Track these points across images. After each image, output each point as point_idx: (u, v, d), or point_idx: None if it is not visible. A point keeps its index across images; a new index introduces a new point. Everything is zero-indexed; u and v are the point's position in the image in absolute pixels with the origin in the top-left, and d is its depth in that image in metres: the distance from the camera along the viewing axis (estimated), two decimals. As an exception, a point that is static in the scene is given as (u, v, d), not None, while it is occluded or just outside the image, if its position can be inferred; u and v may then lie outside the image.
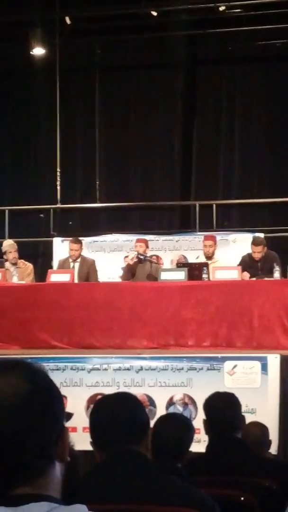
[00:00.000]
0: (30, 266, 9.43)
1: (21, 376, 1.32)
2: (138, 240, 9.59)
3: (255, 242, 8.98)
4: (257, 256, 8.81)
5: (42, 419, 1.30)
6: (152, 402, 7.10)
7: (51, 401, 1.34)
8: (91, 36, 11.97)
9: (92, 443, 2.44)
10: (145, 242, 9.53)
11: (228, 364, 7.16)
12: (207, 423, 3.58)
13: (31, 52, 11.54)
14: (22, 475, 1.28)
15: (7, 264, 9.20)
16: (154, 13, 11.16)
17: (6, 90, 12.25)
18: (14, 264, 9.31)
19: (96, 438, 2.44)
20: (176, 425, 3.28)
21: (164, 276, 8.34)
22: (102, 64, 12.26)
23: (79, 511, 1.26)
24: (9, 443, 1.27)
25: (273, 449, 5.93)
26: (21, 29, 11.40)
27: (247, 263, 8.82)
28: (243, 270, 8.52)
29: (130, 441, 2.37)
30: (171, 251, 10.69)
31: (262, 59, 11.96)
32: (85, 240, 10.28)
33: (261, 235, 9.85)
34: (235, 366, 7.16)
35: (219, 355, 7.27)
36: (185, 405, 7.15)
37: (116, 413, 2.42)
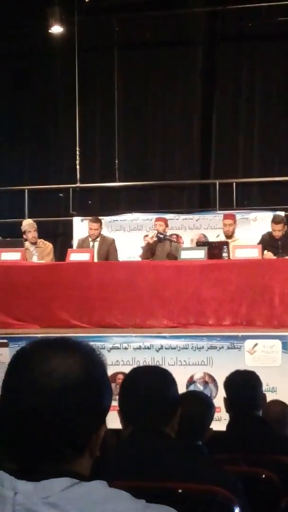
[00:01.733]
0: (49, 245, 9.45)
1: (76, 361, 1.31)
2: (157, 219, 9.57)
3: (275, 220, 8.94)
4: (278, 234, 8.78)
5: (85, 410, 1.29)
6: (172, 381, 7.11)
7: (99, 394, 1.33)
8: (109, 13, 11.89)
9: (121, 417, 2.43)
10: (165, 221, 9.51)
11: (248, 343, 7.15)
12: (228, 401, 3.59)
13: (49, 31, 11.52)
14: (49, 456, 1.28)
15: (26, 244, 9.22)
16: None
17: (24, 69, 12.22)
18: (34, 243, 9.33)
19: (125, 413, 2.43)
20: (197, 403, 3.28)
21: (184, 255, 8.32)
22: (120, 42, 12.19)
23: (99, 487, 1.26)
24: (44, 424, 1.27)
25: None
26: (39, 7, 11.36)
27: (267, 242, 8.79)
28: (263, 248, 8.48)
29: (159, 419, 2.37)
30: (191, 230, 10.67)
31: (282, 35, 11.82)
32: (105, 219, 10.28)
33: (282, 213, 9.81)
34: (255, 345, 7.14)
35: (240, 334, 7.25)
36: (205, 383, 7.16)
37: (148, 389, 2.41)
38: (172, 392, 2.47)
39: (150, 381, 2.45)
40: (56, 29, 11.52)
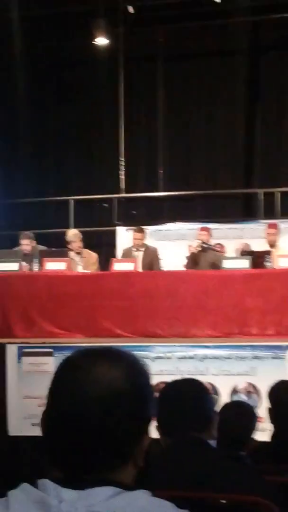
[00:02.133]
0: (94, 255, 9.49)
1: (121, 370, 1.32)
2: (201, 229, 9.56)
3: None
4: None
5: (129, 420, 1.30)
6: (215, 391, 7.09)
7: (143, 404, 1.33)
8: (154, 24, 11.94)
9: (158, 429, 2.45)
10: (209, 230, 9.49)
11: (292, 353, 7.09)
12: (272, 412, 3.56)
13: (94, 42, 11.60)
14: (93, 465, 1.29)
15: (71, 254, 9.28)
16: (218, 0, 11.07)
17: (69, 81, 12.33)
18: (79, 253, 9.38)
19: (163, 424, 2.45)
20: (240, 413, 3.27)
21: (227, 264, 8.30)
22: (164, 52, 12.23)
23: (143, 497, 1.27)
24: (88, 433, 1.28)
25: None
26: (84, 19, 11.46)
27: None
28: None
29: (196, 428, 2.38)
30: (235, 239, 10.62)
31: None
32: (149, 229, 10.30)
33: None
34: (300, 355, 7.09)
35: (284, 344, 7.20)
36: (249, 393, 7.11)
37: (184, 399, 2.43)
38: (207, 402, 2.48)
39: (186, 392, 2.47)
40: (101, 40, 11.60)
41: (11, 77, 11.99)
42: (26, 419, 6.74)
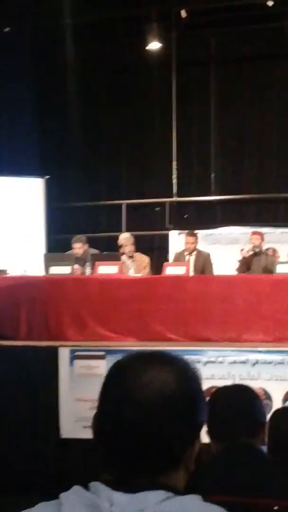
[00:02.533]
0: (146, 259, 9.51)
1: (172, 375, 1.32)
2: (254, 233, 9.50)
3: None
4: None
5: (180, 424, 1.30)
6: (268, 396, 7.02)
7: (194, 408, 1.33)
8: (207, 28, 11.92)
9: (209, 434, 2.44)
10: (261, 235, 9.43)
11: None
12: None
13: (147, 47, 11.64)
14: (144, 468, 1.29)
15: (123, 257, 9.31)
16: (270, 3, 11.01)
17: (122, 85, 12.37)
18: (131, 257, 9.41)
19: (213, 429, 2.44)
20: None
21: (280, 269, 8.23)
22: (217, 56, 12.20)
23: (194, 501, 1.27)
24: (140, 436, 1.28)
25: None
26: (137, 24, 11.50)
27: None
28: None
29: (248, 434, 2.36)
30: (288, 244, 10.53)
31: None
32: (201, 233, 10.28)
33: None
34: None
35: None
36: (302, 399, 7.03)
37: (235, 405, 2.42)
38: (258, 408, 2.47)
39: (237, 398, 2.46)
40: (154, 45, 11.63)
41: (64, 83, 12.09)
42: (77, 422, 6.77)
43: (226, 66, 12.36)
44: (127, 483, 1.28)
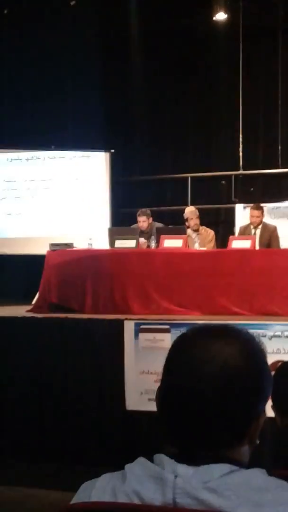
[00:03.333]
0: (211, 232, 9.48)
1: (237, 348, 1.32)
2: None
3: None
4: None
5: (245, 397, 1.30)
6: None
7: (259, 382, 1.33)
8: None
9: (273, 408, 2.43)
10: None
11: None
12: None
13: (214, 18, 11.51)
14: (208, 441, 1.29)
15: (189, 231, 9.30)
16: None
17: (188, 57, 12.26)
18: (196, 230, 9.39)
19: (278, 403, 2.43)
20: None
21: None
22: (285, 25, 11.95)
23: (259, 475, 1.26)
24: (204, 409, 1.28)
25: None
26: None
27: None
28: None
29: None
30: None
31: None
32: (267, 206, 10.17)
33: None
34: None
35: None
36: None
37: None
38: None
39: None
40: (221, 15, 11.50)
41: (129, 56, 12.07)
42: (143, 394, 6.83)
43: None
44: (192, 455, 1.28)
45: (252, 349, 1.34)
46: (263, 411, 1.35)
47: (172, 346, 1.37)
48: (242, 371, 1.29)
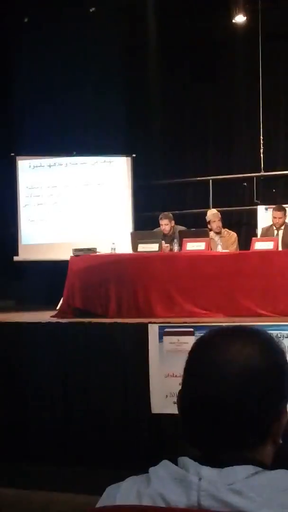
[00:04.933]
0: (234, 234, 9.46)
1: (256, 348, 1.31)
2: None
3: None
4: None
5: (266, 397, 1.29)
6: None
7: (280, 381, 1.32)
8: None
9: None
10: None
11: None
12: None
13: (233, 21, 11.49)
14: (231, 443, 1.29)
15: (211, 234, 9.28)
16: None
17: (207, 60, 12.24)
18: (218, 233, 9.37)
19: None
20: None
21: None
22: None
23: (284, 476, 1.26)
24: (226, 411, 1.28)
25: None
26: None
27: None
28: None
29: None
30: None
31: None
32: (289, 207, 10.13)
33: None
34: None
35: None
36: None
37: None
38: None
39: None
40: (240, 18, 11.48)
41: (149, 60, 12.08)
42: (168, 397, 6.83)
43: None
44: (215, 458, 1.28)
45: (272, 349, 1.33)
46: (285, 411, 1.34)
47: (191, 349, 1.37)
48: (262, 371, 1.29)
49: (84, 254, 8.71)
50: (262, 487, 1.22)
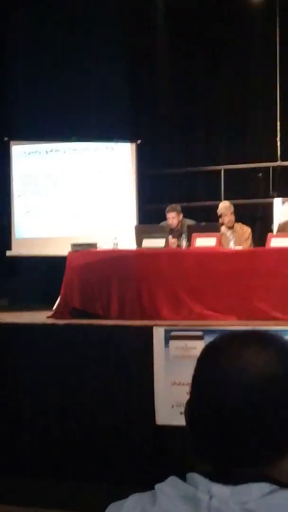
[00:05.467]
0: (248, 229, 9.45)
1: (272, 355, 1.31)
2: None
3: None
4: None
5: (283, 408, 1.28)
6: None
7: None
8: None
9: None
10: None
11: None
12: None
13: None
14: (245, 458, 1.28)
15: (223, 228, 9.28)
16: None
17: (220, 39, 12.22)
18: (231, 228, 9.37)
19: None
20: None
21: None
22: None
23: (301, 495, 1.26)
24: (240, 423, 1.27)
25: None
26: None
27: None
28: None
29: None
30: None
31: None
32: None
33: None
34: None
35: None
36: None
37: None
38: None
39: None
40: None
41: (156, 40, 12.09)
42: (174, 407, 6.82)
43: None
44: (228, 474, 1.27)
45: None
46: None
47: (200, 355, 1.36)
48: (279, 379, 1.28)
49: (83, 250, 8.72)
50: (279, 507, 1.22)
